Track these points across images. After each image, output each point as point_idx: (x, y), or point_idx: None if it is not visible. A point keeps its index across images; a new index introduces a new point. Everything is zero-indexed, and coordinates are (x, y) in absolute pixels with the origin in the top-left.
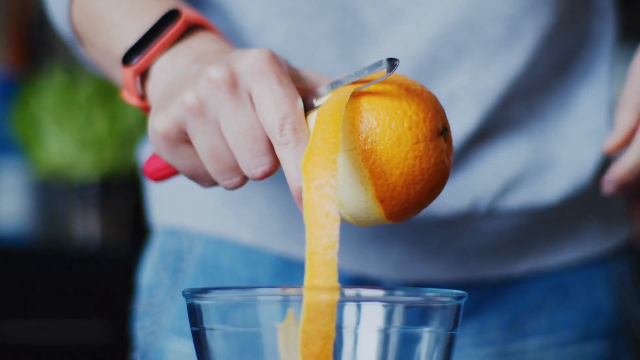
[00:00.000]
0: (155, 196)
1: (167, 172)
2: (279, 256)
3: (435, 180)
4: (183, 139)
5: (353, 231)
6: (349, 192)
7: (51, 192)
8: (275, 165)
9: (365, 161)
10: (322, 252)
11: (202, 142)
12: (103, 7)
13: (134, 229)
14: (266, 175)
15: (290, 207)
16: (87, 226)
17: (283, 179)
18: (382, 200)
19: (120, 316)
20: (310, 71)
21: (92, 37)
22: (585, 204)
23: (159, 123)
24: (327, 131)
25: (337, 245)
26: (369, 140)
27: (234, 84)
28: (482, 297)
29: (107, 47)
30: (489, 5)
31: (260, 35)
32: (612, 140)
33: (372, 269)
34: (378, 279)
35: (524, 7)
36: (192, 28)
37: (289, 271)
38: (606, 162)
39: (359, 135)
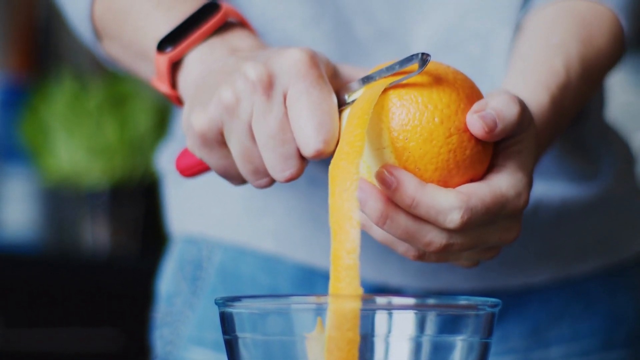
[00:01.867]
0: (174, 204)
1: (199, 169)
2: (299, 265)
3: (472, 171)
4: (219, 140)
5: (375, 240)
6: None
7: (60, 199)
8: (301, 169)
9: (399, 159)
10: (345, 256)
11: (236, 143)
12: (129, 0)
13: (143, 237)
14: (292, 179)
15: (310, 216)
16: (96, 234)
17: (303, 187)
18: (394, 137)
19: (129, 324)
20: (348, 66)
21: (116, 31)
22: (608, 212)
23: (197, 121)
24: (354, 134)
25: (358, 250)
26: (401, 137)
27: (270, 85)
28: (504, 306)
29: (133, 39)
30: (468, 24)
31: None
32: None
33: (394, 278)
34: (400, 288)
35: (500, 22)
36: (228, 24)
37: (310, 280)
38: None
39: (390, 132)
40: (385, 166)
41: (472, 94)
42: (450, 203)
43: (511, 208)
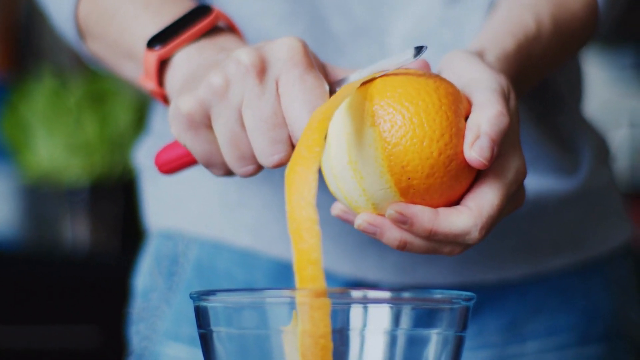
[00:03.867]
0: (150, 199)
1: (178, 164)
2: (275, 260)
3: (472, 175)
4: (205, 123)
5: (351, 235)
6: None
7: (40, 196)
8: (290, 155)
9: (404, 196)
10: (309, 267)
11: (223, 127)
12: (116, 1)
13: (123, 233)
14: (281, 164)
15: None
16: (76, 231)
17: (279, 182)
18: (396, 179)
19: (109, 321)
20: (336, 67)
21: (101, 31)
22: (583, 206)
23: (184, 103)
24: (313, 138)
25: (322, 259)
26: (403, 178)
27: (262, 70)
28: (480, 301)
29: (118, 39)
30: (440, 13)
31: None
32: None
33: (371, 273)
34: (376, 283)
35: (471, 9)
36: (218, 28)
37: (286, 275)
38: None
39: (391, 174)
40: (393, 207)
41: (457, 105)
42: (466, 225)
43: (515, 190)
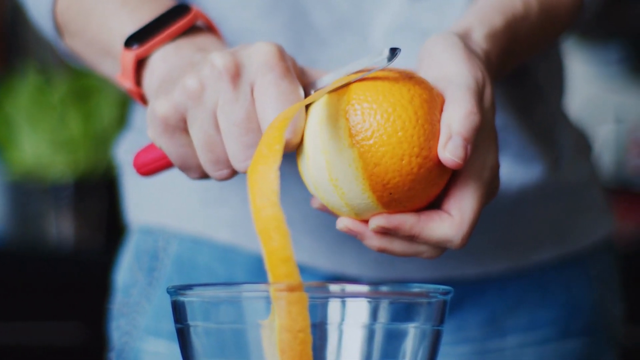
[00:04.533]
0: (131, 195)
1: (156, 166)
2: (255, 255)
3: (449, 172)
4: (181, 126)
5: (330, 230)
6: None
7: (25, 192)
8: None
9: (386, 207)
10: (281, 265)
11: (198, 131)
12: None
13: (108, 229)
14: None
15: None
16: (61, 227)
17: None
18: (378, 196)
19: (94, 317)
20: (315, 69)
21: (79, 28)
22: (564, 201)
23: (160, 107)
24: (274, 137)
25: (293, 257)
26: (385, 194)
27: (237, 75)
28: (460, 295)
29: (96, 36)
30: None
31: None
32: None
33: (350, 268)
34: (356, 278)
35: None
36: (196, 27)
37: (266, 270)
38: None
39: (373, 191)
40: (375, 222)
41: (432, 113)
42: (448, 233)
43: (492, 182)
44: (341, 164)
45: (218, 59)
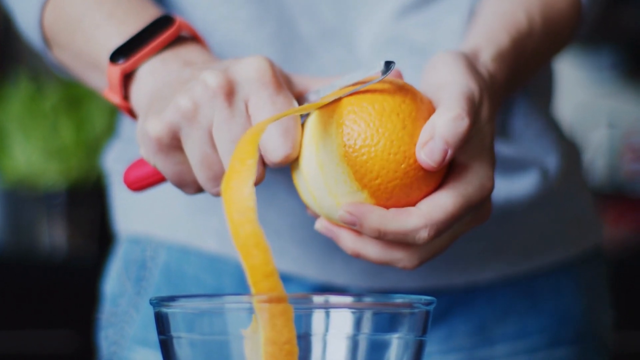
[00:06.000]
0: (119, 204)
1: (148, 182)
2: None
3: (438, 176)
4: (175, 145)
5: (319, 240)
6: (342, 196)
7: (17, 201)
8: (263, 175)
9: (354, 169)
10: (263, 280)
11: (194, 149)
12: (81, 9)
13: (100, 237)
14: (255, 184)
15: None
16: (53, 235)
17: None
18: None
19: (86, 326)
20: (302, 76)
21: (66, 40)
22: (552, 210)
23: (152, 127)
24: (246, 151)
25: (276, 271)
26: (354, 148)
27: (231, 92)
28: (449, 304)
29: (83, 49)
30: (413, 15)
31: None
32: None
33: (339, 278)
34: (344, 287)
35: (447, 11)
36: (181, 38)
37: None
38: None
39: (345, 143)
40: (344, 207)
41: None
42: (415, 224)
43: (478, 203)
44: (335, 175)
45: (210, 78)
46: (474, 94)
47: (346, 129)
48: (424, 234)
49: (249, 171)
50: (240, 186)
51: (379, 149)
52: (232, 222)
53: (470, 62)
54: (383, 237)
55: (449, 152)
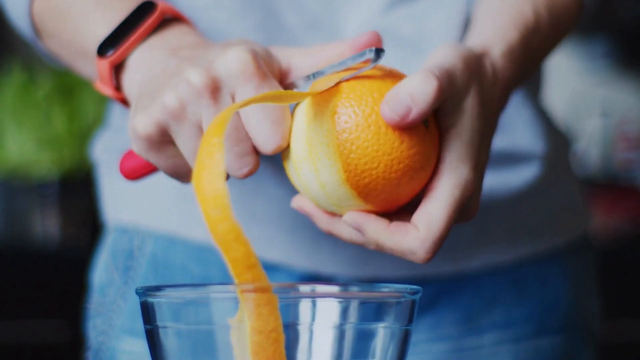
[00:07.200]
0: (107, 193)
1: (145, 171)
2: None
3: (428, 169)
4: (166, 140)
5: (306, 229)
6: (331, 185)
7: (10, 190)
8: (258, 164)
9: (343, 158)
10: (246, 272)
11: (186, 144)
12: None
13: (93, 227)
14: (249, 175)
15: (241, 205)
16: (46, 225)
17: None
18: (359, 192)
19: (79, 315)
20: (282, 48)
21: (55, 29)
22: (539, 199)
23: (140, 125)
24: (212, 143)
25: (259, 262)
26: (344, 137)
27: (216, 89)
28: (436, 293)
29: (72, 38)
30: (399, 8)
31: None
32: None
33: (326, 266)
34: (332, 276)
35: (434, 6)
36: (166, 20)
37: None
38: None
39: (336, 132)
40: (346, 217)
41: None
42: (412, 246)
43: (466, 201)
44: (327, 163)
45: (194, 77)
46: (456, 72)
47: (337, 118)
48: (421, 255)
49: (218, 163)
50: (212, 181)
51: (370, 141)
52: (208, 219)
53: (471, 55)
54: (381, 250)
55: (413, 110)
